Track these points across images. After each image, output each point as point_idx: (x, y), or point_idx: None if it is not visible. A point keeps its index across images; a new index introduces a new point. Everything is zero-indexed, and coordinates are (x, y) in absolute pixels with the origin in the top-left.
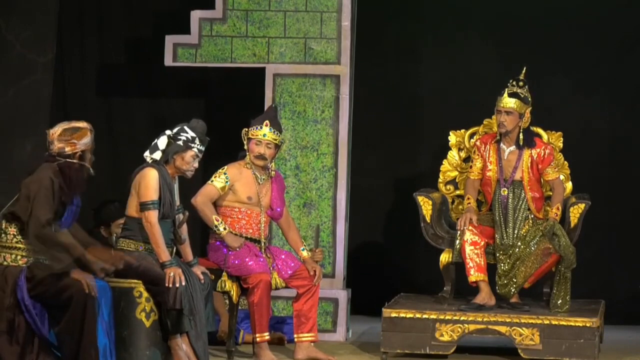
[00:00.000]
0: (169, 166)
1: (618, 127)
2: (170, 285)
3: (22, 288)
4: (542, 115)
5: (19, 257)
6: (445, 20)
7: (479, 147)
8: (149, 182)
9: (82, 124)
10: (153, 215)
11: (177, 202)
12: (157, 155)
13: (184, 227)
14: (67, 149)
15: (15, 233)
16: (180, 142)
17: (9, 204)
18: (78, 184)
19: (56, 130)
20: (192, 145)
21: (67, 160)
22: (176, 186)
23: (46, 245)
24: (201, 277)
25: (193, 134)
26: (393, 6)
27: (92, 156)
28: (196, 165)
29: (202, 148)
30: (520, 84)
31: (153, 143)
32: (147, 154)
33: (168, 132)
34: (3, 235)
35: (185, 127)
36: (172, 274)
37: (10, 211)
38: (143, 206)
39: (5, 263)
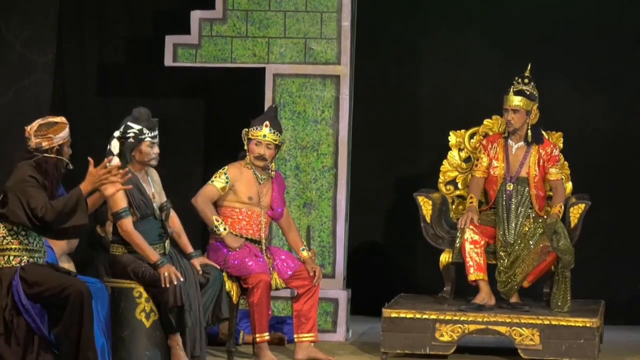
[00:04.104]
0: (132, 165)
1: (618, 127)
2: (167, 285)
3: (18, 288)
4: (542, 115)
5: (11, 257)
6: (445, 20)
7: (486, 146)
8: None
9: (58, 119)
10: (126, 224)
11: (163, 195)
12: (115, 161)
13: (176, 219)
14: (45, 144)
15: (4, 234)
16: (131, 139)
17: None
18: (54, 177)
19: (33, 126)
20: (142, 137)
21: (44, 155)
22: (156, 177)
23: (59, 219)
24: (199, 268)
25: (139, 126)
26: (393, 6)
27: (69, 149)
28: (157, 150)
29: (155, 133)
30: (526, 80)
31: (107, 150)
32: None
33: (116, 133)
34: None
35: (129, 123)
36: (166, 273)
37: None
38: (115, 217)
39: None
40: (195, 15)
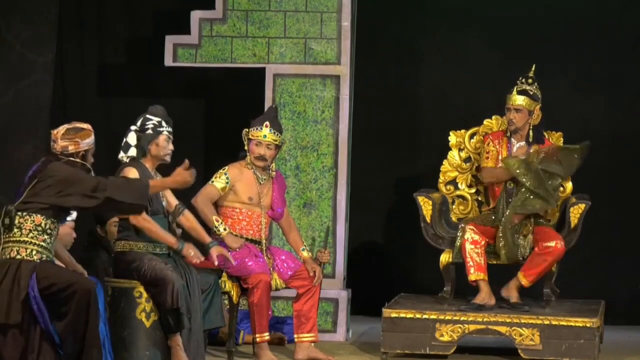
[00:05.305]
0: (146, 159)
1: (618, 127)
2: (197, 261)
3: (33, 282)
4: (543, 115)
5: (34, 252)
6: (445, 20)
7: (493, 139)
8: None
9: (85, 125)
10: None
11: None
12: (132, 152)
13: (190, 215)
14: (71, 148)
15: (31, 228)
16: (150, 131)
17: (21, 199)
18: None
19: (60, 130)
20: (161, 129)
21: (70, 159)
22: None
23: (121, 187)
24: (215, 259)
25: (158, 119)
26: (393, 6)
27: (92, 158)
28: (171, 147)
29: (170, 129)
30: (530, 81)
31: (123, 142)
32: (121, 154)
33: (133, 127)
34: (17, 230)
35: (148, 116)
36: (192, 252)
37: (26, 202)
38: None
39: (19, 257)
40: (195, 15)
